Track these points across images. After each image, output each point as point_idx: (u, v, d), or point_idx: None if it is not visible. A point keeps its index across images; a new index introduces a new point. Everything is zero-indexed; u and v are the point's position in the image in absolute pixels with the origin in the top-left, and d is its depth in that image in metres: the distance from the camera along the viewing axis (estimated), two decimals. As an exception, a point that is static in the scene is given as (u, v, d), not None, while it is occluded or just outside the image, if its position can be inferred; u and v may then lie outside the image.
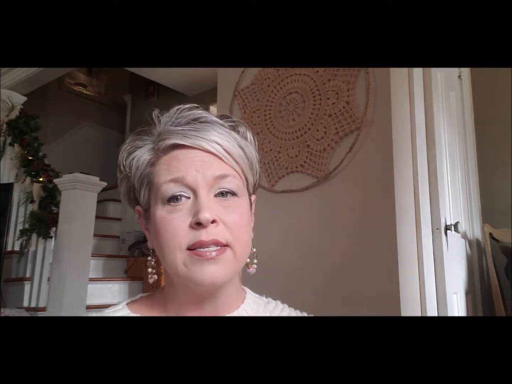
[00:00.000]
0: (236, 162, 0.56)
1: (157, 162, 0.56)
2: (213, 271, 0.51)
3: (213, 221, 0.51)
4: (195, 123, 0.55)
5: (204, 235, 0.51)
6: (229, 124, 0.58)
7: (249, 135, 0.60)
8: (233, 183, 0.55)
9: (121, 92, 5.09)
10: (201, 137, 0.54)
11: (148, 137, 0.58)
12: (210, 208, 0.51)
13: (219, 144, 0.54)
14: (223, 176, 0.54)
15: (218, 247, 0.51)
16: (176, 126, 0.55)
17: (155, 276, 0.59)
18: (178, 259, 0.51)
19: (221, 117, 0.58)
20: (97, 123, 5.11)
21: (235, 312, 0.58)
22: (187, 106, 0.57)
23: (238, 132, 0.58)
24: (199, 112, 0.56)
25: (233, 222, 0.53)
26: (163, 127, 0.56)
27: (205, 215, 0.50)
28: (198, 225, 0.51)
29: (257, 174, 0.62)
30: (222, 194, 0.54)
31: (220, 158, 0.54)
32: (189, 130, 0.54)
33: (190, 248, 0.51)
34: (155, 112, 0.58)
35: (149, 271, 0.58)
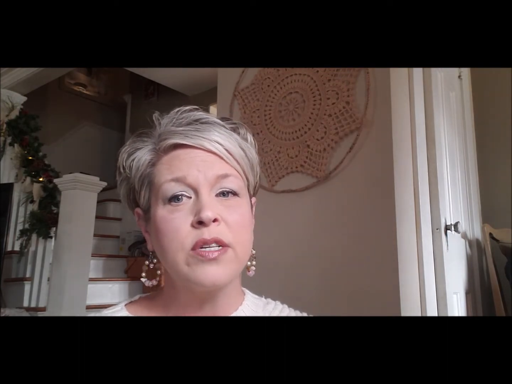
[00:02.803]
0: (237, 162, 0.56)
1: (158, 162, 0.56)
2: (215, 271, 0.51)
3: (215, 220, 0.51)
4: (196, 124, 0.55)
5: (206, 233, 0.50)
6: (230, 125, 0.58)
7: (249, 136, 0.60)
8: (235, 183, 0.55)
9: (121, 92, 5.09)
10: (203, 137, 0.54)
11: (149, 139, 0.57)
12: (211, 207, 0.51)
13: (220, 144, 0.54)
14: (225, 176, 0.54)
15: (220, 247, 0.51)
16: (177, 126, 0.55)
17: (154, 282, 0.58)
18: (180, 259, 0.51)
19: (222, 119, 0.58)
20: (97, 123, 5.10)
21: (233, 314, 0.58)
22: (187, 107, 0.57)
23: (238, 133, 0.58)
24: (200, 113, 0.56)
25: (234, 221, 0.53)
26: (164, 128, 0.56)
27: (207, 214, 0.50)
28: (199, 224, 0.50)
29: (258, 176, 0.61)
30: (224, 194, 0.54)
31: (222, 158, 0.54)
32: (191, 130, 0.54)
33: (192, 248, 0.51)
34: (155, 114, 0.58)
35: (142, 275, 0.58)
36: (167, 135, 0.55)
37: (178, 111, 0.57)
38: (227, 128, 0.57)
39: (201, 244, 0.50)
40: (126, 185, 0.59)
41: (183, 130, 0.55)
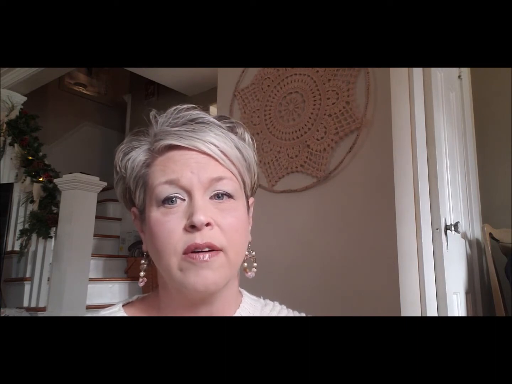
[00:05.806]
0: (233, 163, 0.55)
1: (152, 163, 0.55)
2: (206, 275, 0.50)
3: (208, 224, 0.50)
4: (192, 124, 0.54)
5: (199, 238, 0.50)
6: (227, 125, 0.57)
7: (247, 136, 0.59)
8: (229, 185, 0.54)
9: (121, 92, 5.09)
10: (197, 138, 0.53)
11: (145, 138, 0.57)
12: (204, 211, 0.50)
13: (215, 145, 0.53)
14: (219, 179, 0.53)
15: (212, 251, 0.50)
16: (172, 126, 0.55)
17: (145, 279, 0.58)
18: (173, 264, 0.51)
19: (219, 118, 0.58)
20: (97, 123, 5.11)
21: None
22: (184, 106, 0.56)
23: (235, 133, 0.57)
24: (197, 113, 0.55)
25: (228, 225, 0.52)
26: (160, 127, 0.56)
27: (200, 218, 0.49)
28: (192, 228, 0.50)
29: (255, 176, 0.60)
30: (218, 196, 0.53)
31: (216, 160, 0.53)
32: (185, 131, 0.53)
33: (184, 252, 0.50)
34: (152, 113, 0.57)
35: (141, 275, 0.58)
36: (162, 136, 0.54)
37: (175, 110, 0.56)
38: (223, 128, 0.56)
39: (193, 248, 0.50)
40: (122, 185, 0.58)
41: (177, 130, 0.54)
